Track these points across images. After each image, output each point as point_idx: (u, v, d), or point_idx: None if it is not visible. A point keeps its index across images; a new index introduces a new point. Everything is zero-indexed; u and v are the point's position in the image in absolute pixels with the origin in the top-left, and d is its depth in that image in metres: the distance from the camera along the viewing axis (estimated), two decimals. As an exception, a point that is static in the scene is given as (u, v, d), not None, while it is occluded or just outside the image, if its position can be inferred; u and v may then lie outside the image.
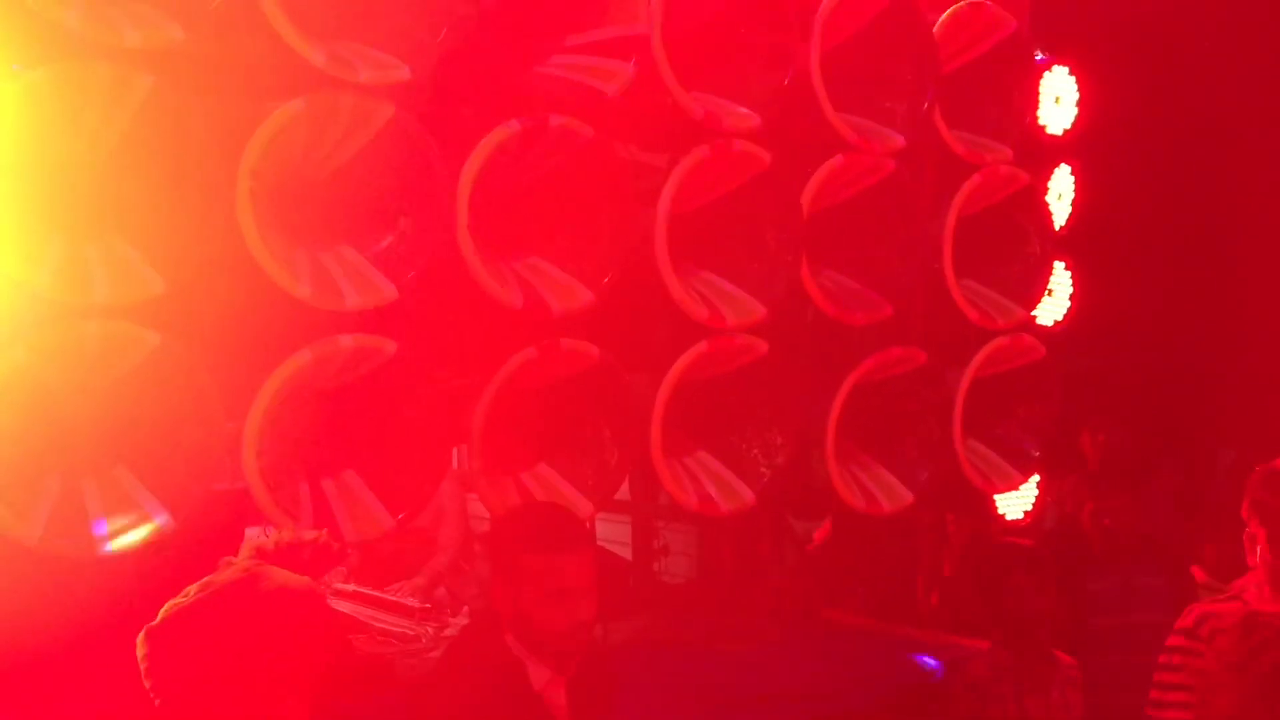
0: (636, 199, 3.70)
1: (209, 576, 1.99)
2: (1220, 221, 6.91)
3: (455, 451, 4.09)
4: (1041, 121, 4.84)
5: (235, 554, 2.08)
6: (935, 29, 4.35)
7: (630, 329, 3.83)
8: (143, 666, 1.94)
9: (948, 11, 4.40)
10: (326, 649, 2.01)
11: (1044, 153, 4.85)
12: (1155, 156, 6.79)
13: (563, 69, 3.63)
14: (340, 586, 4.42)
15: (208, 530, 2.97)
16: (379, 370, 3.32)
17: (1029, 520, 4.97)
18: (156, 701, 1.94)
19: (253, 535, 2.33)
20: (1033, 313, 4.73)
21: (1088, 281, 4.97)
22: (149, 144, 2.97)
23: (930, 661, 4.30)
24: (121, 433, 3.06)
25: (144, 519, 2.98)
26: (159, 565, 2.89)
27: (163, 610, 1.95)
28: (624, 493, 4.22)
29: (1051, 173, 4.90)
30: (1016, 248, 4.68)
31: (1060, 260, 4.87)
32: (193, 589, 1.97)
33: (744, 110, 3.87)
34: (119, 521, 2.95)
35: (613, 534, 5.30)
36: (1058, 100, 4.88)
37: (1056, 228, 4.82)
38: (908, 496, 4.37)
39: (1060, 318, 4.93)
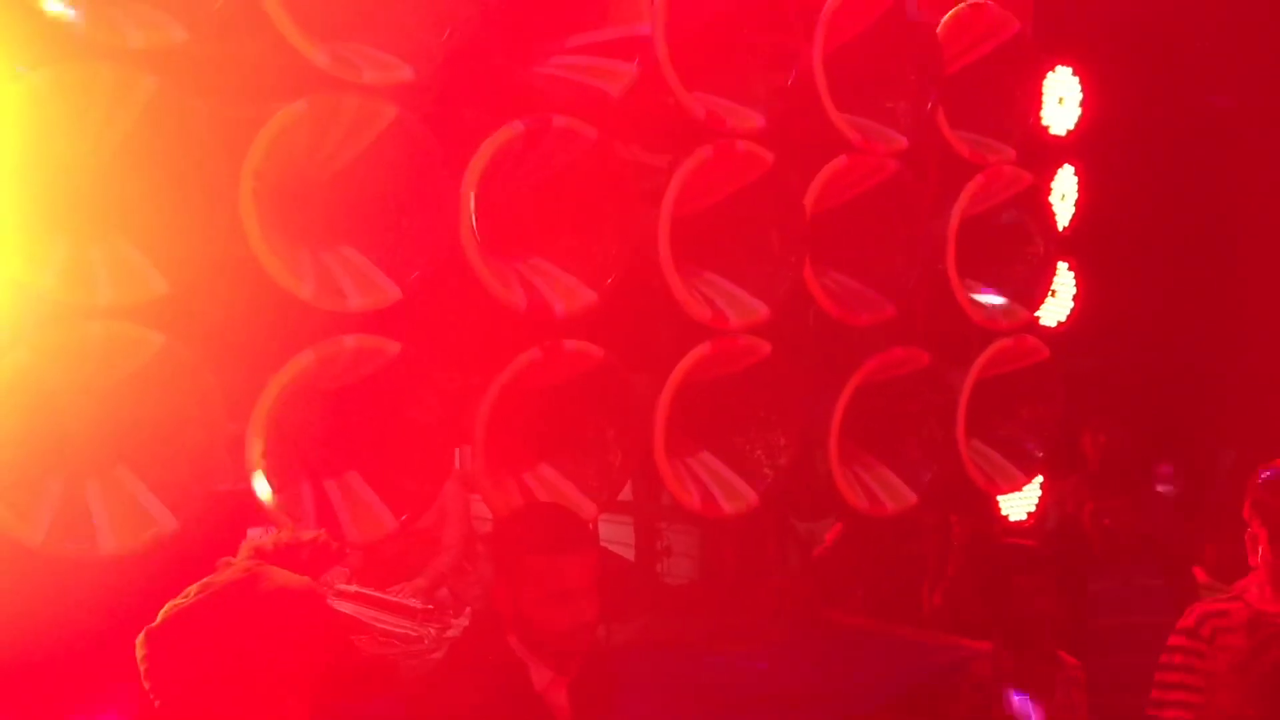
0: (640, 199, 3.69)
1: (209, 577, 1.99)
2: (1223, 222, 6.91)
3: (458, 452, 4.08)
4: (1045, 122, 4.83)
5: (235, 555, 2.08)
6: (938, 29, 4.35)
7: (633, 330, 3.83)
8: (142, 668, 1.93)
9: (951, 12, 4.40)
10: (327, 649, 2.00)
11: (1047, 153, 4.84)
12: (1158, 157, 6.79)
13: (566, 69, 3.63)
14: (342, 587, 4.41)
15: (210, 531, 2.96)
16: (382, 371, 3.31)
17: (1032, 521, 4.97)
18: (156, 703, 1.93)
19: (254, 535, 2.32)
20: (1036, 314, 4.72)
21: (1091, 282, 4.96)
22: (152, 145, 2.97)
23: None
24: (124, 434, 3.05)
25: (146, 520, 2.98)
26: (161, 566, 2.89)
27: (162, 611, 1.95)
28: (626, 493, 4.21)
29: (1055, 173, 4.89)
30: (1020, 248, 4.68)
31: (1064, 261, 4.86)
32: (193, 590, 1.97)
33: (747, 111, 3.87)
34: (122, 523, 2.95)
35: (615, 535, 5.29)
36: (1061, 101, 4.88)
37: (1060, 228, 4.82)
38: (911, 497, 4.36)
39: (1064, 318, 4.93)
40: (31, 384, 2.85)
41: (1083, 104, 4.92)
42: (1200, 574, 5.31)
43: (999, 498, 4.86)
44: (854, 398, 4.15)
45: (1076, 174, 4.95)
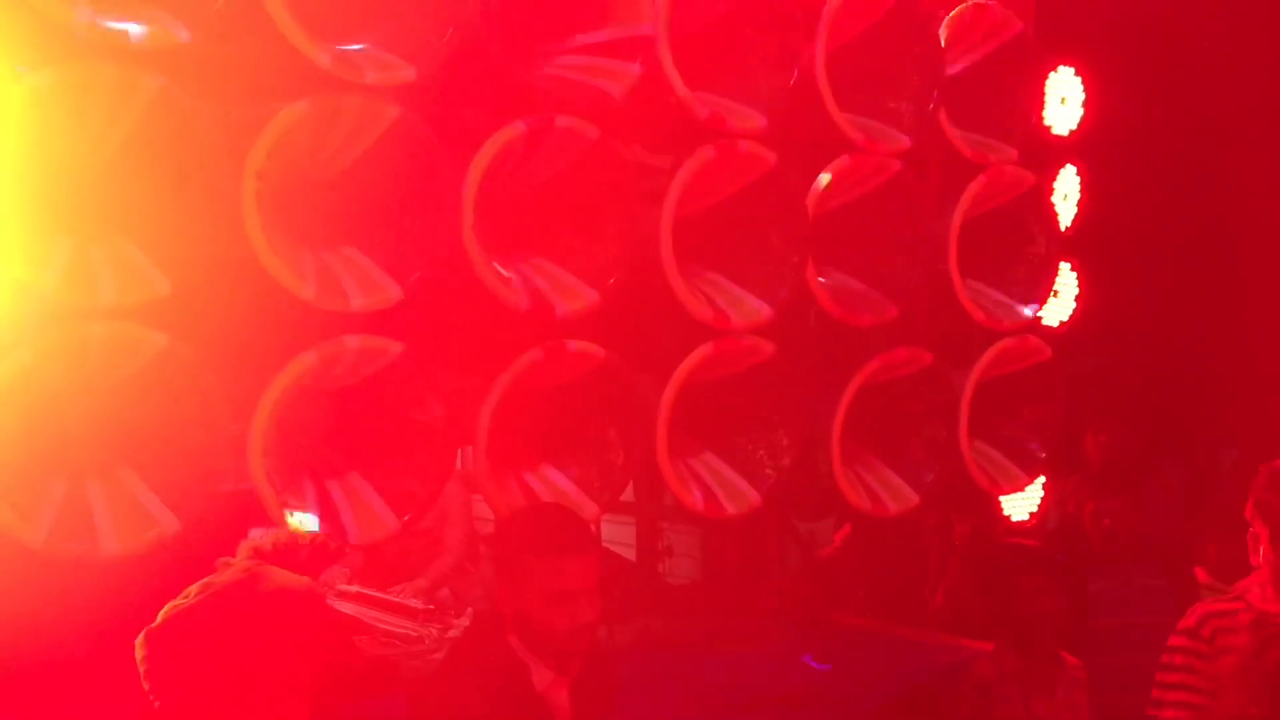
0: (642, 200, 3.69)
1: (208, 578, 1.98)
2: (1226, 222, 6.90)
3: (459, 453, 4.08)
4: (1047, 122, 4.83)
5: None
6: (941, 30, 4.35)
7: (636, 330, 3.83)
8: (142, 669, 1.93)
9: (953, 12, 4.39)
10: (327, 650, 2.00)
11: (1050, 153, 4.84)
12: (1161, 157, 6.78)
13: (568, 69, 3.62)
14: (344, 588, 4.41)
15: (213, 532, 2.96)
16: (384, 371, 3.31)
17: (1034, 521, 4.97)
18: (156, 703, 1.93)
19: (255, 535, 2.32)
20: (1038, 314, 4.72)
21: (1093, 282, 4.96)
22: (154, 145, 2.96)
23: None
24: (126, 434, 3.05)
25: (148, 521, 2.97)
26: (164, 567, 2.89)
27: (162, 612, 1.94)
28: (628, 494, 4.21)
29: (1057, 173, 4.89)
30: (1022, 249, 4.68)
31: (1066, 261, 4.85)
32: (192, 590, 1.96)
33: (749, 111, 3.86)
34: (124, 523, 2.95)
35: (617, 535, 5.30)
36: (1063, 101, 4.87)
37: (1062, 228, 4.81)
38: (913, 498, 4.36)
39: (1066, 319, 4.92)
40: (34, 384, 2.85)
41: (1085, 104, 4.91)
42: (1201, 574, 5.30)
43: (1001, 498, 4.85)
44: (857, 398, 4.14)
45: (1079, 174, 4.94)
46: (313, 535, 2.11)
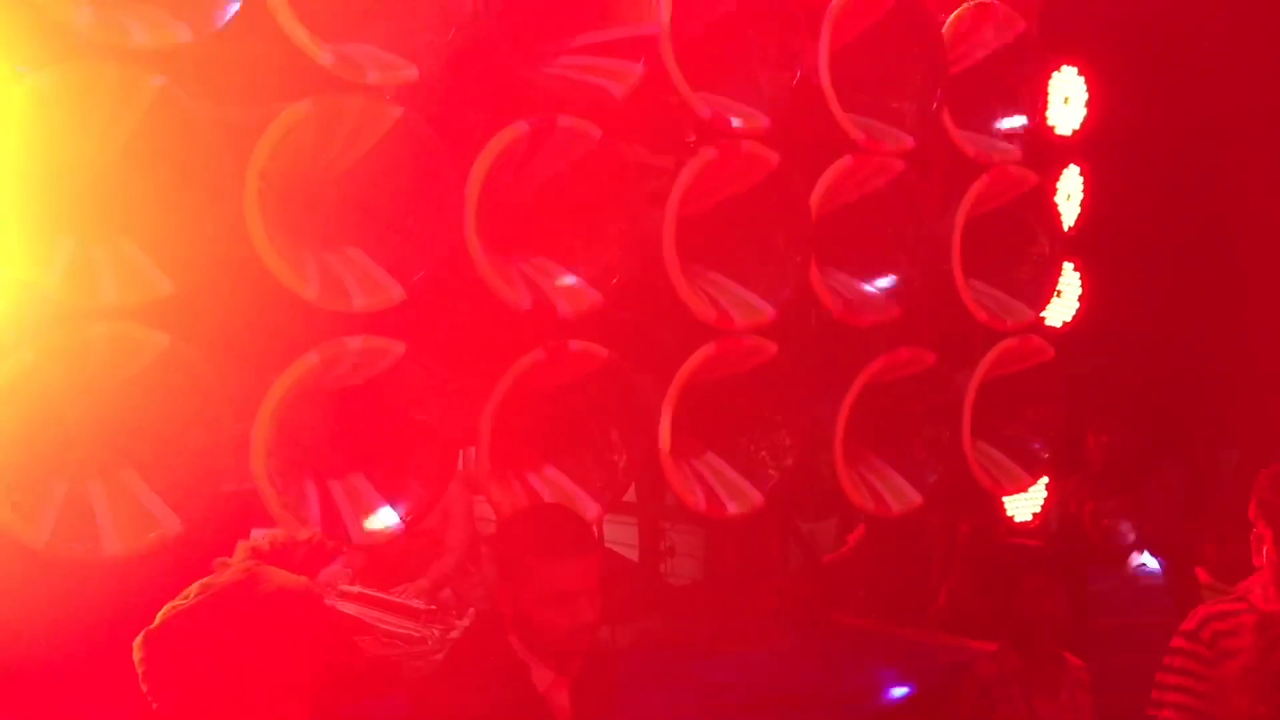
0: (645, 200, 3.68)
1: (207, 578, 1.97)
2: (1228, 222, 6.89)
3: (461, 453, 4.08)
4: (1050, 122, 4.82)
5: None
6: (944, 29, 4.34)
7: (638, 330, 3.82)
8: (140, 670, 1.92)
9: (956, 11, 4.39)
10: (326, 649, 1.99)
11: (1053, 153, 4.83)
12: (1164, 157, 6.77)
13: (571, 69, 3.62)
14: (345, 588, 4.40)
15: (215, 532, 2.96)
16: (386, 372, 3.31)
17: (1037, 522, 4.96)
18: (154, 705, 1.92)
19: (256, 536, 2.31)
20: (1041, 314, 4.71)
21: (1096, 282, 4.95)
22: (156, 145, 2.96)
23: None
24: (129, 435, 3.05)
25: (150, 522, 2.97)
26: (166, 567, 2.88)
27: (161, 613, 1.93)
28: (630, 494, 4.20)
29: (1060, 173, 4.88)
30: (1025, 249, 4.67)
31: (1069, 261, 4.85)
32: (191, 591, 1.95)
33: (752, 111, 3.86)
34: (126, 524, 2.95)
35: (619, 536, 5.29)
36: (1066, 101, 4.87)
37: (1065, 228, 4.81)
38: (916, 498, 4.36)
39: (1069, 319, 4.92)
40: (36, 385, 2.84)
41: (1088, 104, 4.91)
42: (1202, 574, 5.30)
43: (1004, 499, 4.85)
44: (860, 398, 4.14)
45: (1082, 174, 4.94)
46: (310, 534, 2.10)
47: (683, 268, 3.73)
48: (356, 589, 4.48)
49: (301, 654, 1.94)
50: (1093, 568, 4.97)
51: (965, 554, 5.35)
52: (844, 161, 4.09)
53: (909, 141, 4.21)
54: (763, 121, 3.86)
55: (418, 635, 4.27)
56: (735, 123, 3.80)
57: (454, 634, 4.27)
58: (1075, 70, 4.90)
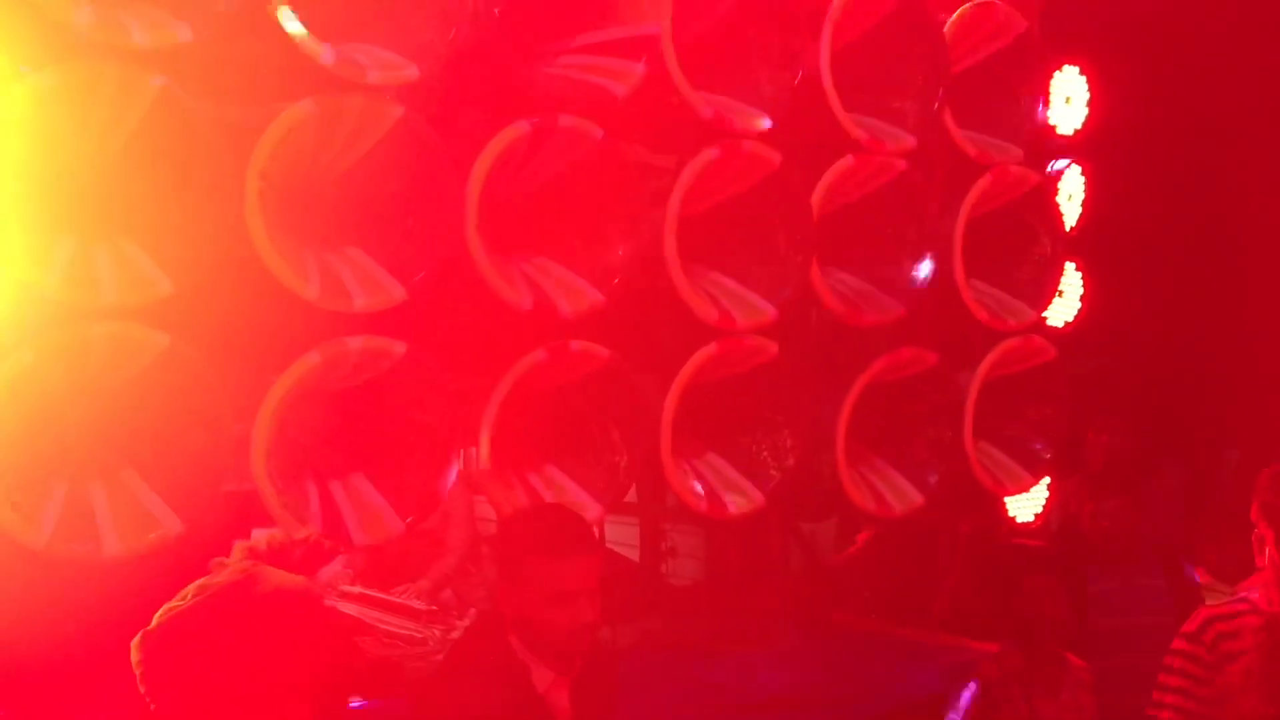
0: (646, 200, 3.68)
1: (204, 579, 1.96)
2: (1230, 222, 6.88)
3: (462, 453, 4.08)
4: (1052, 122, 4.81)
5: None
6: (946, 29, 4.34)
7: (640, 330, 3.82)
8: (138, 671, 1.91)
9: (958, 11, 4.38)
10: (325, 650, 1.98)
11: (1055, 153, 4.83)
12: (1166, 157, 6.76)
13: (572, 69, 3.62)
14: (346, 589, 4.39)
15: (216, 532, 2.95)
16: (387, 372, 3.30)
17: (1039, 522, 4.95)
18: (152, 706, 1.92)
19: (257, 536, 2.30)
20: (1043, 314, 4.71)
21: (1098, 282, 4.94)
22: (157, 145, 2.96)
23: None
24: (129, 435, 3.05)
25: (151, 522, 2.97)
26: (167, 567, 2.88)
27: (158, 614, 1.93)
28: (631, 495, 4.20)
29: (1062, 173, 4.87)
30: (1027, 248, 4.67)
31: (1071, 261, 4.84)
32: (189, 592, 1.95)
33: (754, 111, 3.85)
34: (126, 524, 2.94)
35: (620, 536, 5.28)
36: (1068, 100, 4.86)
37: (1067, 228, 4.80)
38: (917, 498, 4.35)
39: (1071, 319, 4.91)
40: (36, 385, 2.84)
41: (1090, 103, 4.90)
42: (1202, 575, 5.29)
43: (1006, 499, 4.84)
44: (861, 398, 4.14)
45: (1083, 174, 4.93)
46: (307, 534, 2.09)
47: (684, 268, 3.73)
48: (358, 589, 4.47)
49: (300, 654, 1.93)
50: (1092, 568, 4.96)
51: (966, 554, 5.34)
52: (845, 161, 4.08)
53: (911, 141, 4.21)
54: (765, 121, 3.85)
55: (419, 636, 4.28)
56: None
57: (455, 634, 4.28)
58: (1077, 70, 4.90)
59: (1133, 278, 6.33)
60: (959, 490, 4.52)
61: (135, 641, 1.91)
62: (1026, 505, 4.89)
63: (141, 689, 1.91)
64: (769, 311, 3.90)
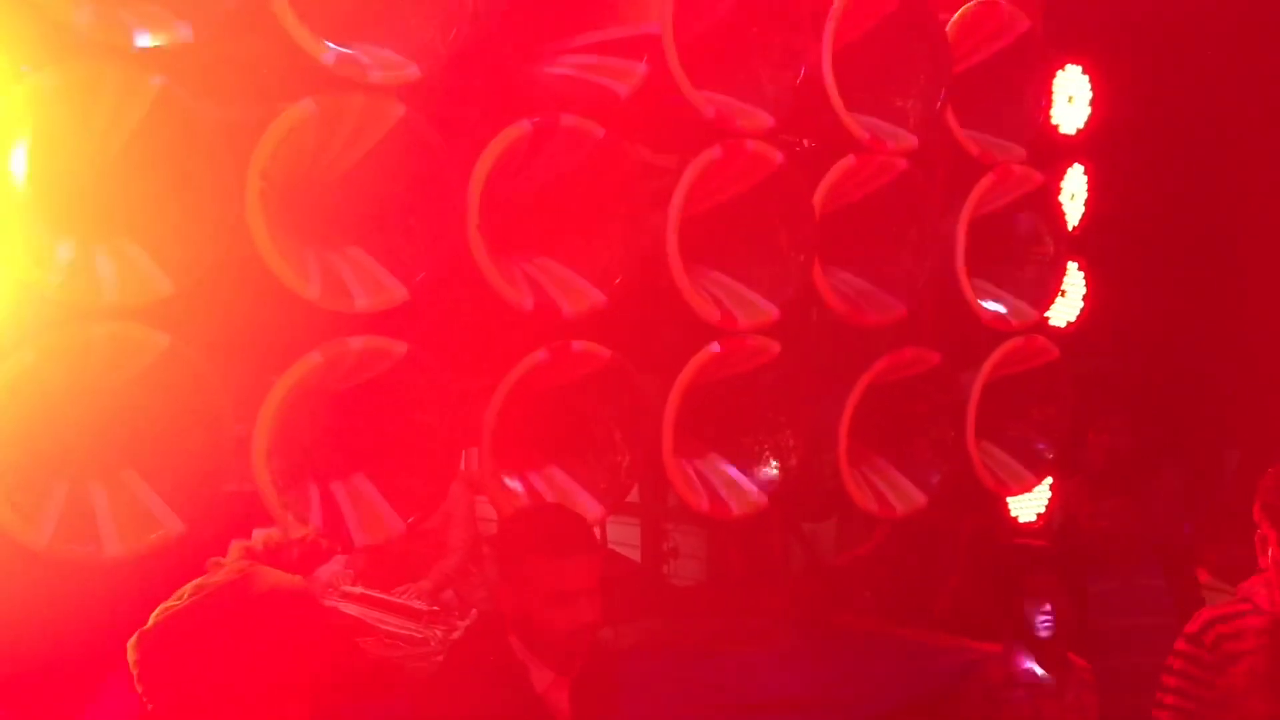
0: (648, 200, 3.67)
1: (200, 579, 1.96)
2: (1233, 222, 6.88)
3: (464, 453, 4.08)
4: (1055, 121, 4.80)
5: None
6: (948, 28, 4.33)
7: (641, 330, 3.81)
8: (135, 671, 1.91)
9: (960, 10, 4.37)
10: (323, 650, 1.98)
11: (1057, 152, 4.82)
12: (1169, 156, 6.75)
13: (574, 68, 3.61)
14: (348, 589, 4.40)
15: (217, 533, 2.94)
16: (388, 372, 3.29)
17: (1042, 522, 4.95)
18: (150, 706, 1.91)
19: (257, 536, 2.30)
20: (1046, 314, 4.70)
21: (1101, 282, 4.93)
22: (157, 145, 2.95)
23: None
24: (130, 435, 3.04)
25: (152, 523, 2.96)
26: (168, 568, 2.87)
27: (154, 614, 1.92)
28: (633, 495, 4.19)
29: (1065, 173, 4.86)
30: (1029, 248, 4.66)
31: (1073, 261, 4.84)
32: (185, 591, 1.94)
33: (756, 110, 3.84)
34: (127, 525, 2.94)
35: (622, 536, 5.29)
36: (1071, 99, 4.85)
37: (1069, 228, 4.79)
38: (920, 499, 4.35)
39: (1073, 319, 4.90)
40: (36, 385, 2.83)
41: (1093, 103, 4.89)
42: (1202, 574, 5.29)
43: (1009, 499, 4.83)
44: (863, 398, 4.13)
45: (1086, 173, 4.92)
46: (304, 533, 2.08)
47: (686, 268, 3.72)
48: (359, 590, 4.48)
49: (296, 654, 1.93)
50: (1092, 568, 4.96)
51: (968, 554, 5.33)
52: (847, 161, 4.07)
53: (913, 140, 4.20)
54: (767, 120, 3.84)
55: (420, 636, 4.28)
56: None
57: (456, 635, 4.28)
58: (1080, 69, 4.89)
59: (1135, 277, 6.32)
60: (961, 490, 4.52)
61: (132, 641, 1.91)
62: (1029, 505, 4.88)
63: (138, 688, 1.91)
64: (771, 311, 3.89)
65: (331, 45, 3.08)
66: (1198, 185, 6.92)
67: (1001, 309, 4.54)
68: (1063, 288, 4.77)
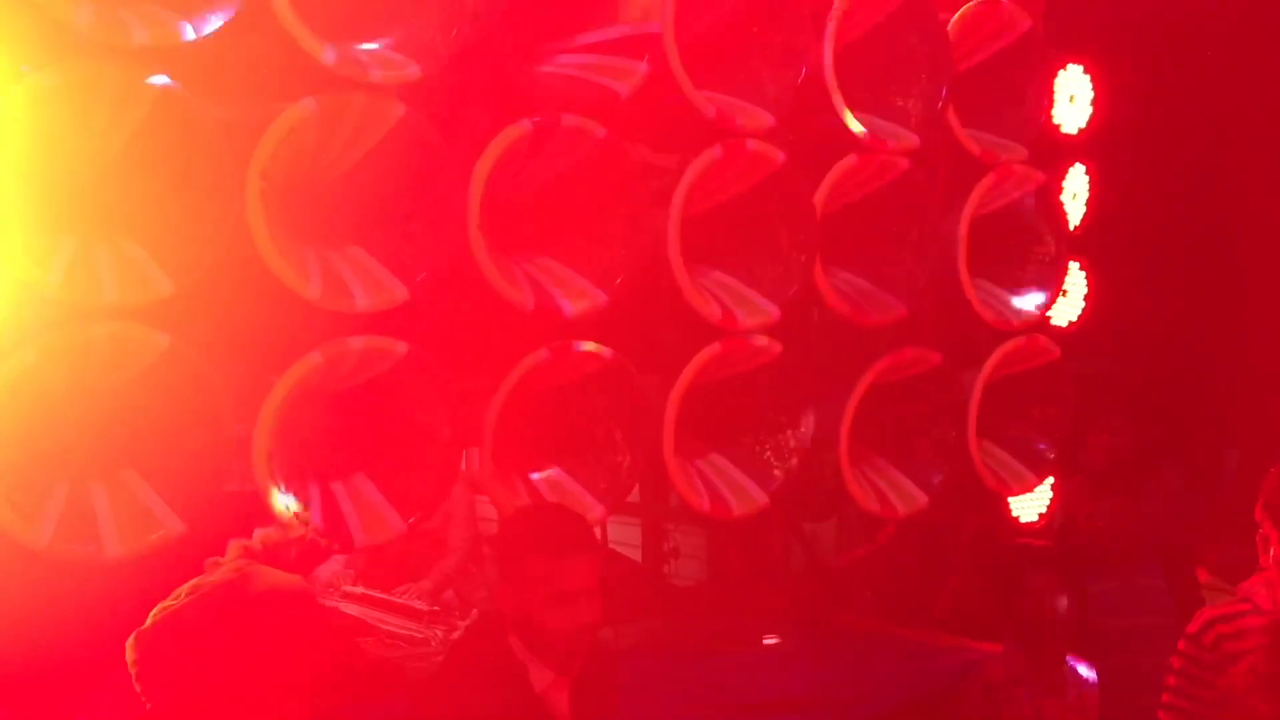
0: (649, 199, 3.67)
1: (198, 578, 1.96)
2: (1235, 221, 6.87)
3: (464, 453, 4.08)
4: (1056, 120, 4.80)
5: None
6: (949, 27, 4.32)
7: (642, 330, 3.81)
8: (133, 671, 1.91)
9: (962, 10, 4.37)
10: (322, 650, 1.98)
11: (1058, 152, 4.81)
12: (1170, 156, 6.74)
13: (575, 68, 3.61)
14: (348, 589, 4.40)
15: (217, 533, 2.94)
16: (389, 372, 3.29)
17: (1043, 522, 4.94)
18: (148, 705, 1.91)
19: (256, 535, 2.30)
20: (1047, 313, 4.69)
21: (1102, 282, 4.93)
22: (158, 144, 2.95)
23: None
24: (130, 436, 3.04)
25: (152, 523, 2.96)
26: (167, 568, 2.87)
27: (152, 614, 1.92)
28: (634, 495, 4.19)
29: (1066, 172, 4.86)
30: (1031, 248, 4.66)
31: (1075, 260, 4.83)
32: (182, 591, 1.94)
33: (757, 109, 3.84)
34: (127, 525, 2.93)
35: (622, 536, 5.29)
36: (1072, 99, 4.85)
37: (1071, 228, 4.79)
38: (921, 499, 4.34)
39: (1075, 318, 4.89)
40: (37, 385, 2.83)
41: (1094, 102, 4.88)
42: (1203, 574, 5.28)
43: (1010, 499, 4.83)
44: (864, 398, 4.13)
45: (1088, 173, 4.92)
46: (303, 533, 2.08)
47: (687, 267, 3.72)
48: (360, 590, 4.48)
49: (294, 654, 1.93)
50: (1092, 568, 4.95)
51: (970, 554, 5.33)
52: (848, 160, 4.07)
53: (914, 140, 4.19)
54: (768, 120, 3.84)
55: (420, 636, 4.28)
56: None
57: (457, 635, 4.28)
58: (1081, 68, 4.88)
59: (1136, 277, 6.32)
60: (962, 490, 4.51)
61: (129, 641, 1.91)
62: (1030, 505, 4.88)
63: (137, 688, 1.91)
64: (772, 311, 3.89)
65: (332, 45, 3.07)
66: (1199, 185, 6.91)
67: (1002, 309, 4.53)
68: (1064, 287, 4.76)
